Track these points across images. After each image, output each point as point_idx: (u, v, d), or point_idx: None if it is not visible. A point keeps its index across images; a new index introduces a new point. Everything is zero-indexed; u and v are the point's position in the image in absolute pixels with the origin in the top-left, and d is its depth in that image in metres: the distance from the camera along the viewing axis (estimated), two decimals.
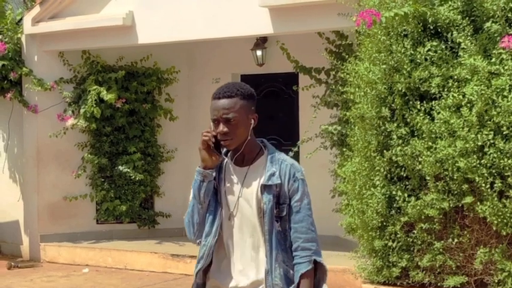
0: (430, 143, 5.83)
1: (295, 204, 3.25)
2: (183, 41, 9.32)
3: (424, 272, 6.08)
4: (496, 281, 5.79)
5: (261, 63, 10.20)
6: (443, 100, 5.81)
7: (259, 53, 10.14)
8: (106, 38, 9.47)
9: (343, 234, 7.48)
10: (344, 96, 7.11)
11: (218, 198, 3.31)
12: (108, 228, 10.46)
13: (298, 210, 3.25)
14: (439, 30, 5.93)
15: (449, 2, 5.86)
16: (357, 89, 6.38)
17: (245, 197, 3.27)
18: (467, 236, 5.87)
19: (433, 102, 5.87)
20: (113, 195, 10.28)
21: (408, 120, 5.99)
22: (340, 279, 7.76)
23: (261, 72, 10.33)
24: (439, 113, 5.78)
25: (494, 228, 5.72)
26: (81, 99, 9.94)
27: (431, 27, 5.92)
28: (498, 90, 5.58)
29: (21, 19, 10.22)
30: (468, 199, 5.71)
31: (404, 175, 6.06)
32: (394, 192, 6.08)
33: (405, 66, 5.96)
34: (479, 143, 5.60)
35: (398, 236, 6.12)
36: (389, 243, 6.17)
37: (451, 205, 5.83)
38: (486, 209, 5.63)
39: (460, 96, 5.71)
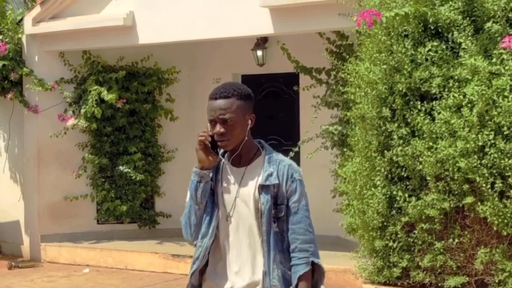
0: (430, 143, 5.82)
1: (293, 205, 3.23)
2: (183, 41, 9.32)
3: (424, 272, 6.08)
4: (497, 281, 5.79)
5: (261, 64, 10.20)
6: (443, 100, 5.81)
7: (259, 53, 10.14)
8: (107, 38, 9.47)
9: (343, 234, 7.48)
10: (345, 96, 7.11)
11: (215, 199, 3.29)
12: (108, 228, 10.47)
13: (296, 211, 3.23)
14: (440, 30, 5.92)
15: (450, 2, 5.85)
16: (357, 89, 6.38)
17: (242, 197, 3.25)
18: (468, 236, 5.86)
19: (434, 102, 5.87)
20: (113, 195, 10.28)
21: (409, 120, 5.99)
22: (340, 280, 7.76)
23: (262, 72, 10.33)
24: (439, 113, 5.78)
25: (494, 229, 5.71)
26: (82, 99, 9.94)
27: (432, 28, 5.92)
28: (499, 90, 5.58)
29: (21, 19, 10.22)
30: (469, 199, 5.71)
31: (405, 175, 6.05)
32: (394, 193, 6.08)
33: (406, 67, 5.95)
34: (480, 143, 5.59)
35: (398, 236, 6.12)
36: (390, 244, 6.16)
37: (451, 205, 5.82)
38: (487, 209, 5.62)
39: (461, 97, 5.71)
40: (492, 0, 5.66)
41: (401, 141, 6.00)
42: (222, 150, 3.31)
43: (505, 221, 5.61)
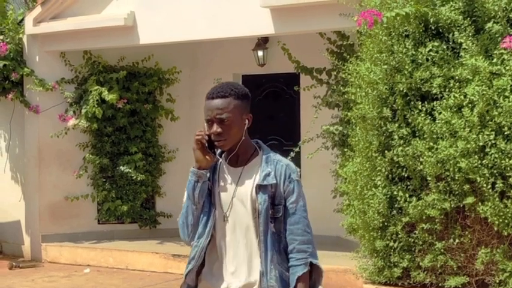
0: (431, 144, 5.82)
1: (291, 206, 3.21)
2: (184, 41, 9.32)
3: (425, 272, 6.08)
4: (497, 281, 5.79)
5: (262, 64, 10.20)
6: (444, 100, 5.81)
7: (260, 53, 10.14)
8: (107, 38, 9.47)
9: (344, 234, 7.48)
10: (345, 96, 7.11)
11: (212, 199, 3.28)
12: (109, 228, 10.47)
13: (293, 212, 3.21)
14: (441, 30, 5.92)
15: (451, 3, 5.85)
16: (358, 90, 6.38)
17: (239, 197, 3.23)
18: (469, 236, 5.86)
19: (435, 102, 5.87)
20: (114, 195, 10.28)
21: (409, 120, 5.99)
22: (341, 280, 7.76)
23: (262, 72, 10.33)
24: (440, 113, 5.78)
25: (495, 229, 5.71)
26: (83, 99, 9.94)
27: (433, 28, 5.92)
28: (499, 90, 5.58)
29: (22, 19, 10.22)
30: (469, 199, 5.71)
31: (406, 175, 6.05)
32: (395, 193, 6.08)
33: (406, 67, 5.95)
34: (481, 144, 5.59)
35: (399, 236, 6.12)
36: (391, 244, 6.16)
37: (452, 205, 5.82)
38: (487, 210, 5.62)
39: (462, 97, 5.71)
40: (493, 0, 5.66)
41: (402, 142, 6.00)
42: (219, 150, 3.30)
43: (506, 221, 5.61)
